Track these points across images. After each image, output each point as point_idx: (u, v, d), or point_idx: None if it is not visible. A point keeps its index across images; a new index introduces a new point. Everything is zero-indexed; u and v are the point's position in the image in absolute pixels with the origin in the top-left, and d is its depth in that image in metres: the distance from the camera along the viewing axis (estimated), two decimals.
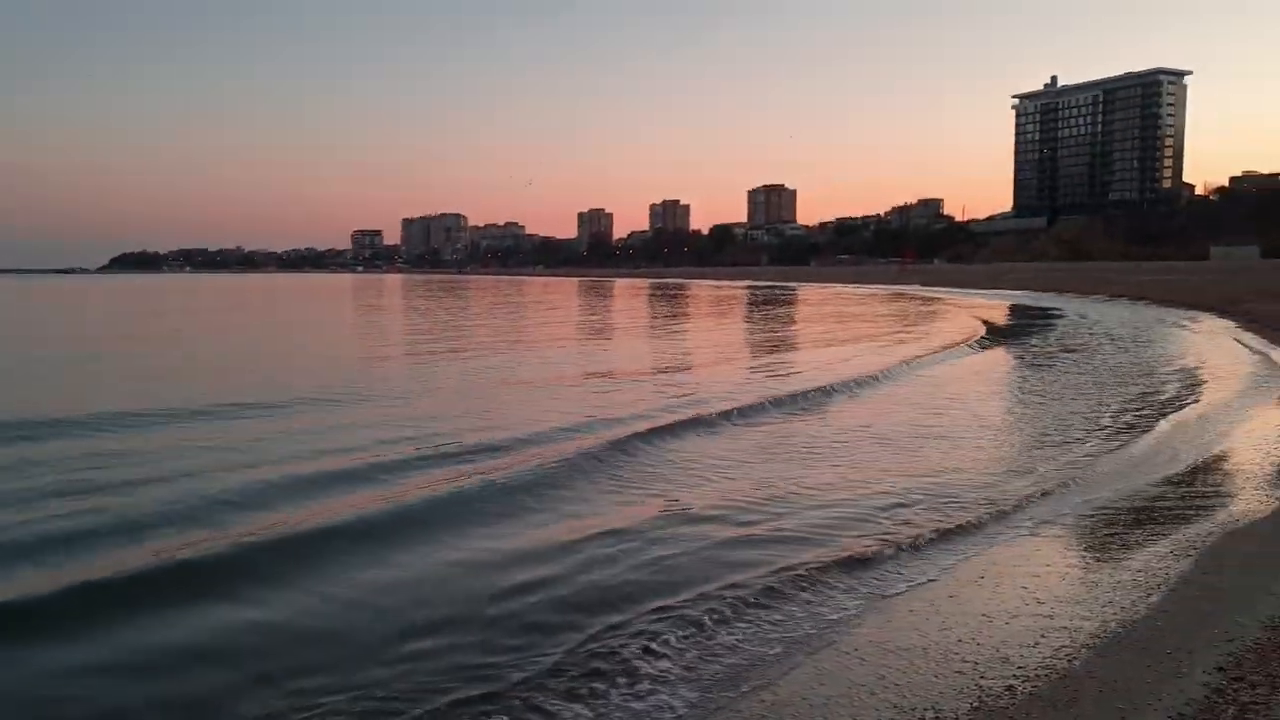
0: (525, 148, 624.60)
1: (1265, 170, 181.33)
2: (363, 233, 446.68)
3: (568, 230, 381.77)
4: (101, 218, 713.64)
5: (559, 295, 79.87)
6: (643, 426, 12.83)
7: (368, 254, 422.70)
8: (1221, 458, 10.83)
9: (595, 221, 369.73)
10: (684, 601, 6.58)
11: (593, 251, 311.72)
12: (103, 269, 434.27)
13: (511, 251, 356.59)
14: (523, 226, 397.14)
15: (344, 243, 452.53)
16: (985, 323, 36.07)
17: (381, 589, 6.95)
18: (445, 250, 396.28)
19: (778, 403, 15.52)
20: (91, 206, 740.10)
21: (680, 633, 6.06)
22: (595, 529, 8.26)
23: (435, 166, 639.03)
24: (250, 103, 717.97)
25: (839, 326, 38.02)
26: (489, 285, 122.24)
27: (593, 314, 52.47)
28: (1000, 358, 24.10)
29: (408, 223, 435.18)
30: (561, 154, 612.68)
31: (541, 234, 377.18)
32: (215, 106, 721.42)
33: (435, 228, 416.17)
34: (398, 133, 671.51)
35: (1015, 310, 47.86)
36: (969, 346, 26.24)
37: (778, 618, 6.36)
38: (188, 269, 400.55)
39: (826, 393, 16.66)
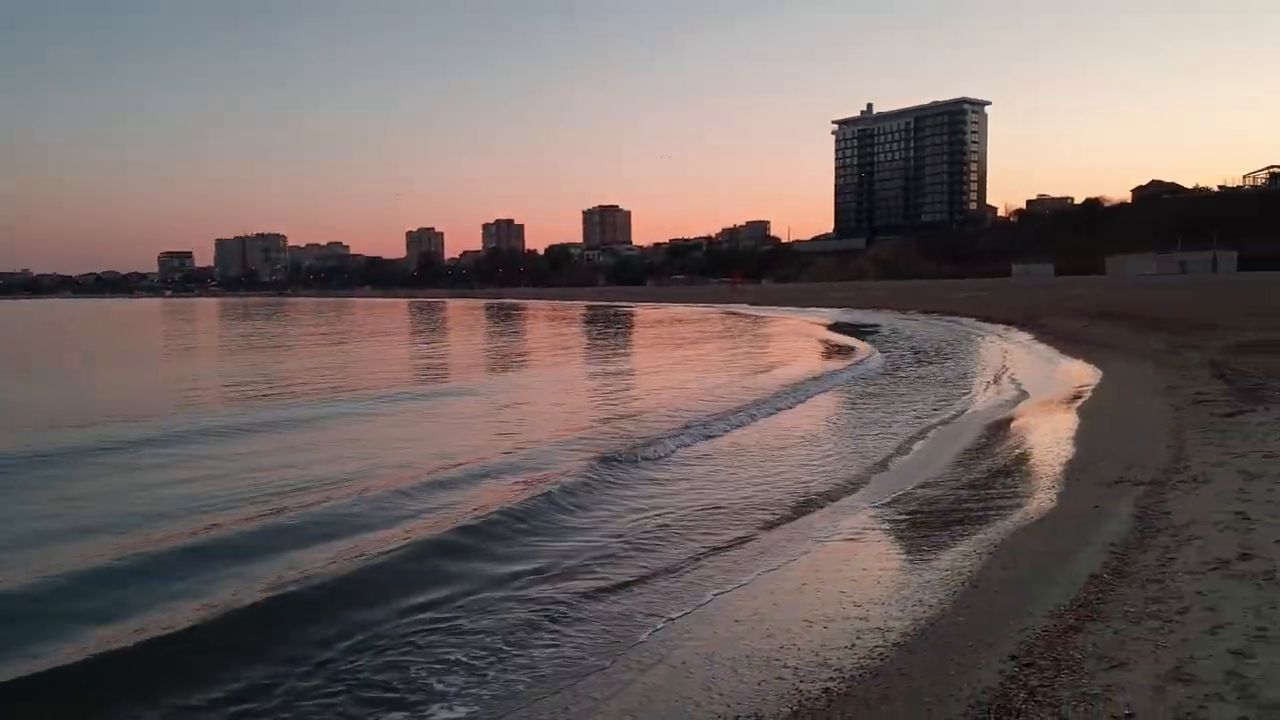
0: (348, 162, 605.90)
1: (1057, 194, 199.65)
2: (171, 254, 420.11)
3: (396, 250, 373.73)
4: None
5: (393, 322, 77.52)
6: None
7: (177, 277, 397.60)
8: (1018, 460, 11.72)
9: (425, 241, 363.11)
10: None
11: (423, 272, 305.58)
12: None
13: (336, 272, 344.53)
14: (347, 246, 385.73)
15: (150, 265, 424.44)
16: (816, 339, 37.73)
17: None
18: (264, 272, 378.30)
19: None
20: None
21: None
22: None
23: (251, 184, 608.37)
24: (41, 114, 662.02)
25: (678, 350, 38.75)
26: (309, 308, 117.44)
27: (431, 343, 51.22)
28: (824, 373, 25.19)
29: (221, 243, 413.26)
30: (388, 171, 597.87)
31: (368, 254, 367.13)
32: None
33: (252, 248, 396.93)
34: (209, 148, 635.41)
35: (838, 327, 50.26)
36: (802, 365, 27.30)
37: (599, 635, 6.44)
38: None
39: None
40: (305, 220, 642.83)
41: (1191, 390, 14.10)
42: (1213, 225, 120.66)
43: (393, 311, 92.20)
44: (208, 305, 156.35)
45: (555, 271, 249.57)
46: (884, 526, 9.02)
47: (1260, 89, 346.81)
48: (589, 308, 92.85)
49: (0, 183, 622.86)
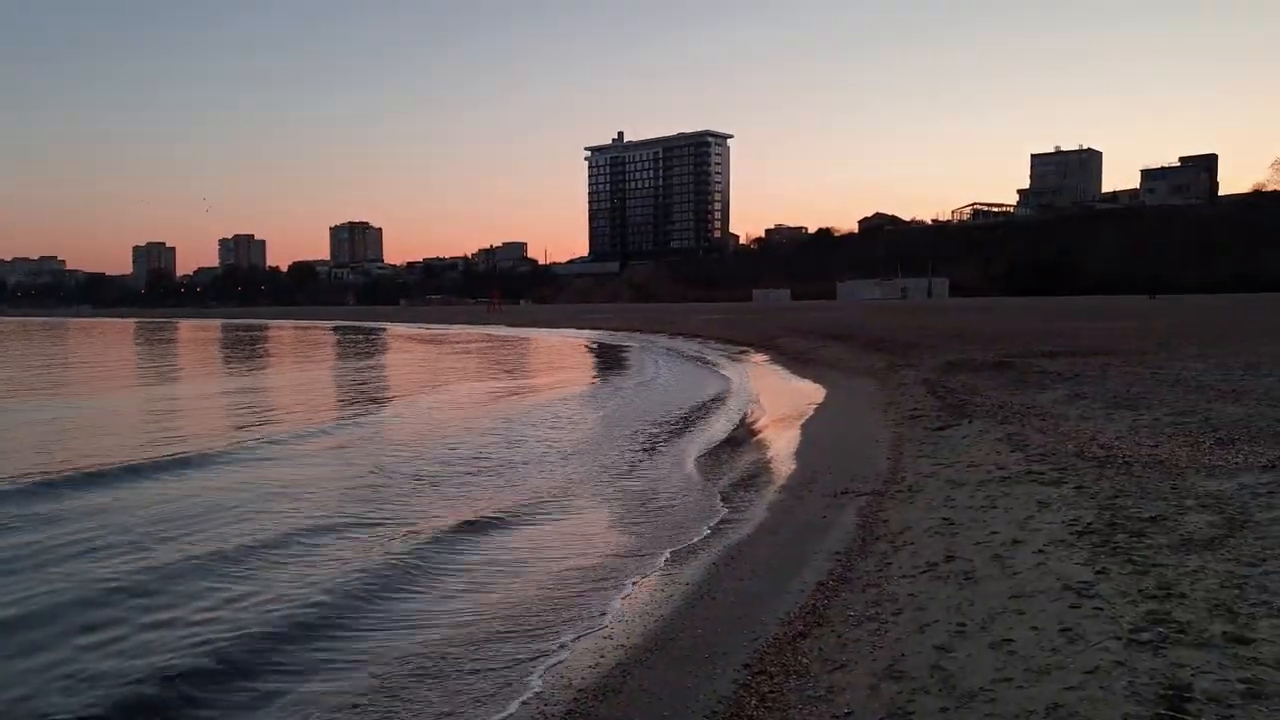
0: (64, 166, 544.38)
1: (793, 224, 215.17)
2: None
3: (122, 266, 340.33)
4: None
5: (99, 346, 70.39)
6: None
7: None
8: (751, 474, 12.30)
9: (155, 256, 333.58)
10: None
11: (153, 289, 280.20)
12: None
13: (50, 289, 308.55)
14: (63, 261, 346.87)
15: None
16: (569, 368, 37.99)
17: None
18: None
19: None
20: None
21: None
22: None
23: None
24: None
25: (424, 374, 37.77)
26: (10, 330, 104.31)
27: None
28: (570, 392, 25.46)
29: None
30: (113, 180, 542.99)
31: (88, 270, 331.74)
32: None
33: None
34: None
35: (601, 346, 51.13)
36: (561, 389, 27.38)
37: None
38: None
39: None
40: (11, 232, 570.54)
41: (909, 406, 15.48)
42: (927, 255, 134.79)
43: (107, 335, 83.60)
44: None
45: (300, 289, 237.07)
46: (630, 540, 9.12)
47: (970, 130, 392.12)
48: (340, 329, 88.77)
49: None
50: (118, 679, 5.91)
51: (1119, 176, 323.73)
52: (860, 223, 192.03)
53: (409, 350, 51.20)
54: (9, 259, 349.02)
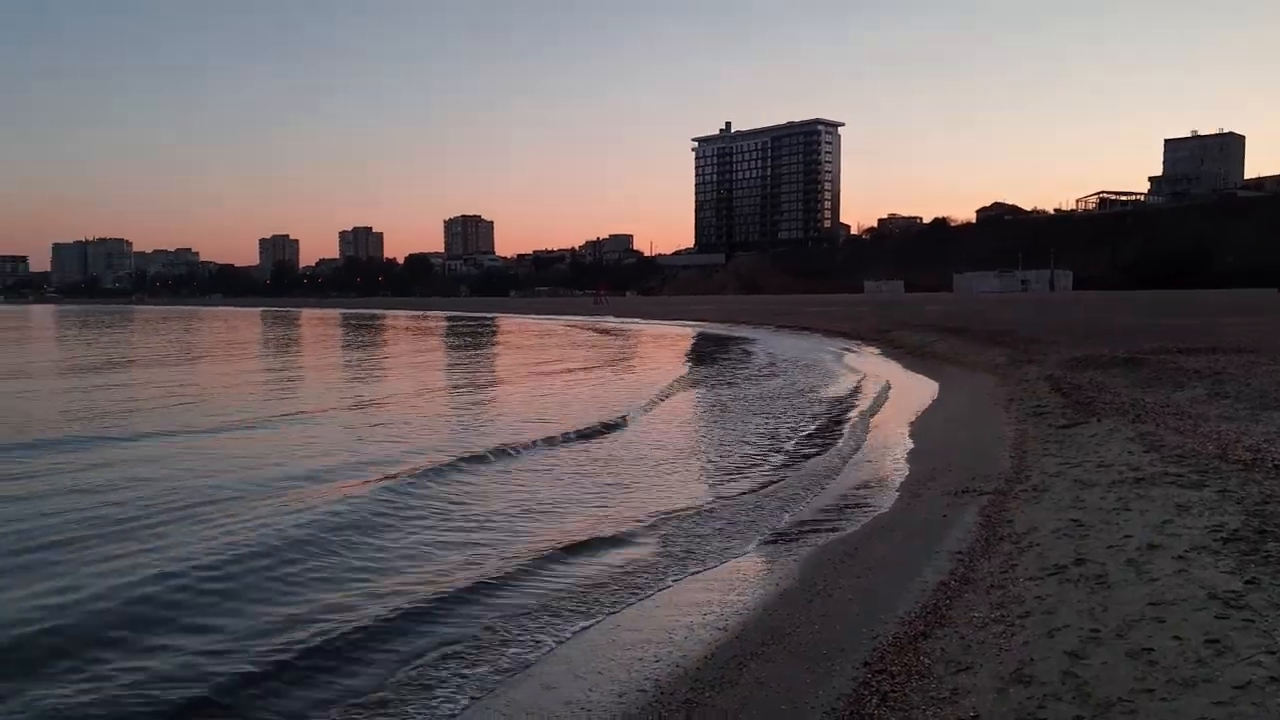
0: (199, 164, 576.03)
1: (907, 214, 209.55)
2: (3, 259, 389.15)
3: (249, 258, 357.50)
4: None
5: (261, 333, 73.98)
6: None
7: (10, 282, 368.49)
8: (869, 472, 12.11)
9: (280, 249, 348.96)
10: None
11: (278, 280, 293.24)
12: None
13: (185, 280, 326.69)
14: (197, 253, 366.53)
15: None
16: (686, 352, 38.13)
17: None
18: (106, 278, 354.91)
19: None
20: None
21: None
22: None
23: (93, 188, 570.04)
24: None
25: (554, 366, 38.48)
26: (157, 317, 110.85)
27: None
28: (695, 386, 25.48)
29: (60, 248, 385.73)
30: (241, 175, 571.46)
31: (219, 261, 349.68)
32: None
33: (94, 253, 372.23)
34: (44, 150, 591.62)
35: (709, 339, 51.08)
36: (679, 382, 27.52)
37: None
38: None
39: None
40: (152, 226, 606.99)
41: (1032, 403, 14.92)
42: (1050, 246, 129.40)
43: (251, 323, 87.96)
44: (58, 313, 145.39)
45: (416, 281, 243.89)
46: (745, 538, 9.10)
47: (1094, 117, 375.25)
48: (454, 319, 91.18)
49: None
50: None
51: (1265, 162, 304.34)
52: (978, 212, 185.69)
53: (580, 345, 52.07)
54: (149, 251, 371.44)
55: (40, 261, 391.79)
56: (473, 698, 5.64)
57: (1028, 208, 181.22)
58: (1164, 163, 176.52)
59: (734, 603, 7.12)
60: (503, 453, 13.52)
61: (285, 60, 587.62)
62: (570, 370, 30.01)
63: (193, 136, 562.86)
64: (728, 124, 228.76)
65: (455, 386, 25.96)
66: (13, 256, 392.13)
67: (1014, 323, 36.21)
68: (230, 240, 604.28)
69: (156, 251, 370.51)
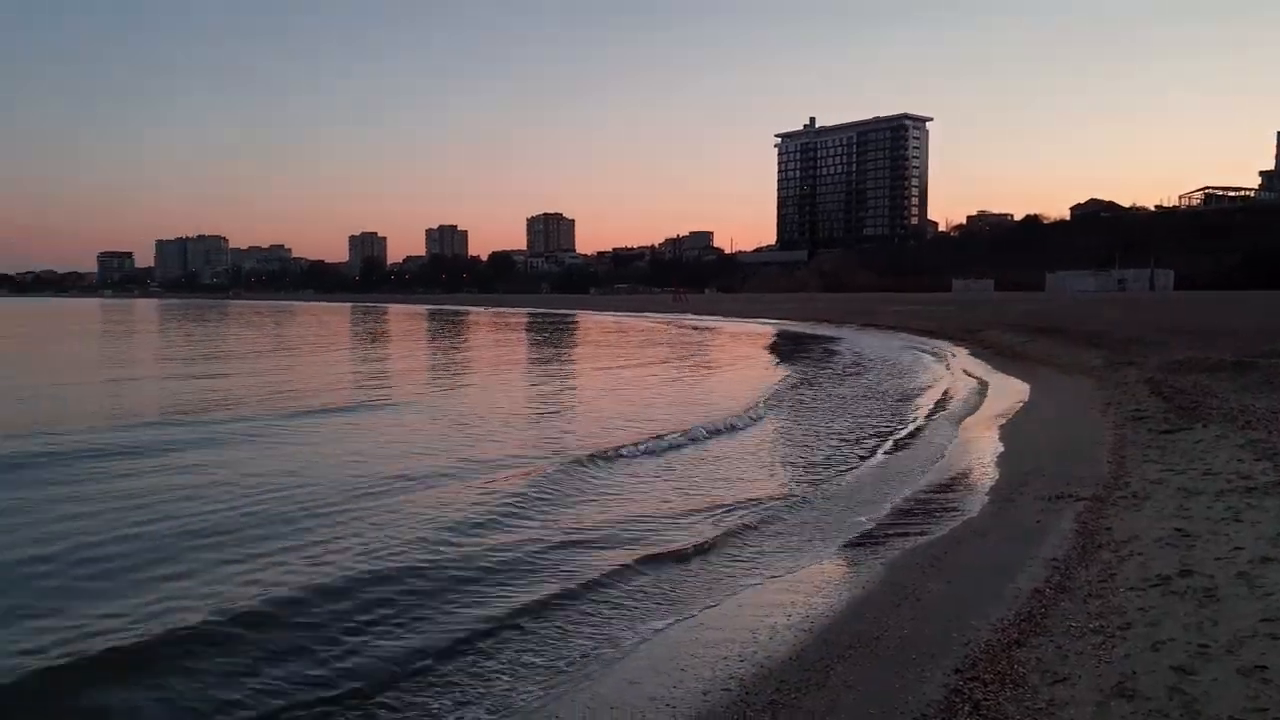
0: (291, 164, 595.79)
1: (997, 210, 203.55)
2: (111, 255, 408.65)
3: (339, 254, 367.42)
4: None
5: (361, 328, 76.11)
6: None
7: (117, 277, 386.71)
8: (959, 474, 11.82)
9: (368, 245, 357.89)
10: None
11: (366, 277, 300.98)
12: None
13: (278, 276, 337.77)
14: (289, 249, 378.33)
15: (89, 265, 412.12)
16: (770, 350, 37.87)
17: None
18: (205, 274, 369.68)
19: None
20: None
21: None
22: None
23: (192, 187, 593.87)
24: None
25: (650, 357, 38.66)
26: (262, 311, 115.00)
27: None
28: (782, 386, 25.30)
29: (162, 244, 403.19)
30: (332, 174, 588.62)
31: (310, 257, 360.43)
32: None
33: (193, 250, 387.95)
34: (149, 151, 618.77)
35: (791, 337, 50.65)
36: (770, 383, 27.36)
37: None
38: None
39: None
40: (247, 223, 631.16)
41: (1130, 407, 14.38)
42: (1149, 244, 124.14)
43: (356, 319, 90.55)
44: (161, 307, 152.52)
45: (498, 278, 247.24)
46: (830, 539, 8.98)
47: (1196, 110, 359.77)
48: (535, 316, 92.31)
49: None
50: None
51: None
52: (1073, 209, 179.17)
53: (662, 343, 52.40)
54: (245, 248, 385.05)
55: (145, 257, 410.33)
56: (556, 689, 5.69)
57: (1126, 204, 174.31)
58: (1277, 156, 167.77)
59: (819, 605, 7.03)
60: (598, 458, 13.48)
61: (374, 63, 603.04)
62: (656, 368, 30.09)
63: (287, 137, 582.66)
64: (812, 119, 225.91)
65: (540, 387, 26.26)
66: (120, 253, 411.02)
67: (1111, 323, 34.92)
68: (321, 237, 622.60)
69: (251, 248, 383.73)
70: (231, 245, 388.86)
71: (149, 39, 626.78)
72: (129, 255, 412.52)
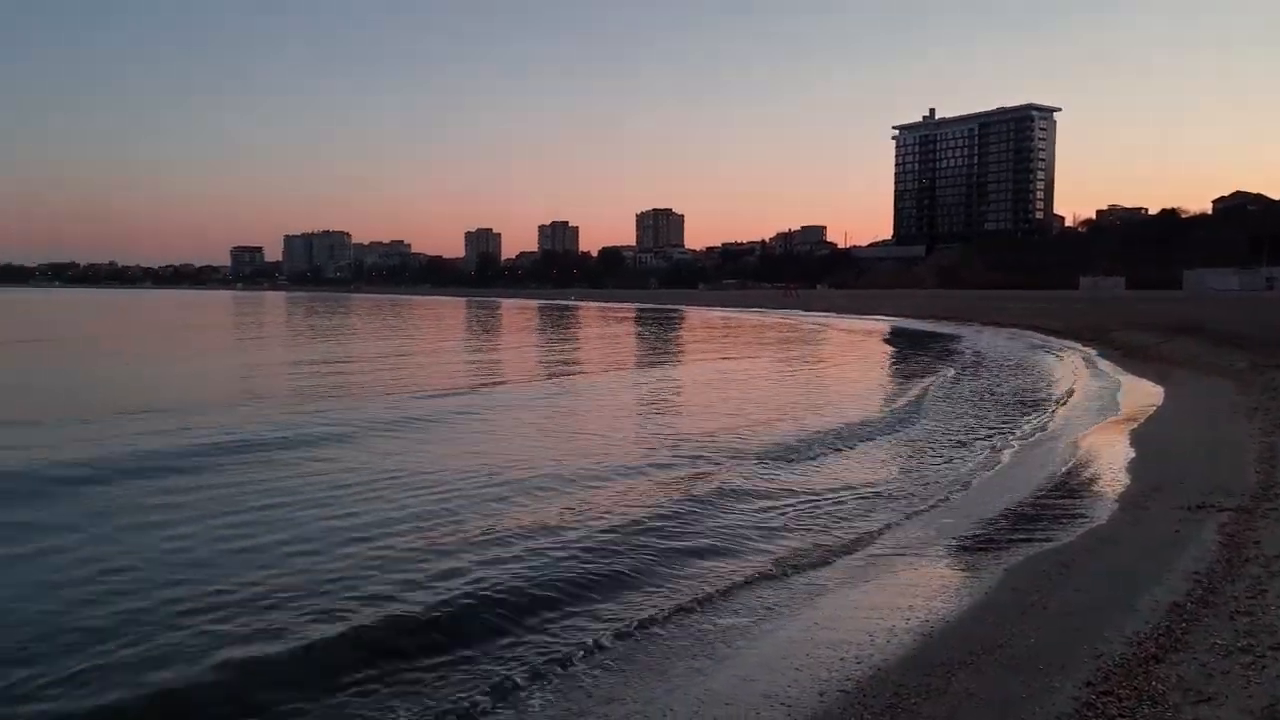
0: (411, 162, 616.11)
1: (1130, 204, 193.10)
2: (243, 249, 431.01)
3: (455, 250, 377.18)
4: None
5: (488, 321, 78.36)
6: None
7: (248, 271, 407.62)
8: (1090, 479, 11.30)
9: (483, 241, 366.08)
10: None
11: (481, 272, 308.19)
12: None
13: (398, 270, 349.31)
14: (409, 245, 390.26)
15: (223, 259, 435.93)
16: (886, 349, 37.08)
17: None
18: (329, 268, 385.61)
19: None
20: None
21: None
22: None
23: (318, 184, 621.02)
24: (120, 115, 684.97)
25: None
26: (382, 305, 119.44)
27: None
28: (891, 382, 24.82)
29: (289, 239, 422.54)
30: (449, 172, 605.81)
31: (428, 253, 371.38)
32: (84, 118, 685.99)
33: (319, 245, 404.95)
34: (278, 148, 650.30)
35: (908, 336, 49.51)
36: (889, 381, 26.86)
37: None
38: (57, 284, 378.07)
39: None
40: (369, 219, 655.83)
41: None
42: None
43: (478, 313, 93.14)
44: (292, 299, 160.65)
45: (608, 273, 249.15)
46: (950, 543, 8.72)
47: None
48: (644, 311, 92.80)
49: (89, 179, 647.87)
50: None
51: None
52: (1215, 202, 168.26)
53: (770, 341, 52.32)
54: (366, 243, 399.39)
55: (273, 252, 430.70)
56: (669, 683, 5.70)
57: (1277, 196, 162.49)
58: None
59: (939, 609, 6.83)
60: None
61: (492, 64, 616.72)
62: (772, 364, 29.87)
63: (408, 136, 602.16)
64: (931, 110, 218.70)
65: (655, 384, 26.40)
66: (251, 248, 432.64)
67: (1258, 324, 32.72)
68: (439, 234, 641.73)
69: (373, 243, 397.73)
70: (354, 241, 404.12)
71: (280, 43, 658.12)
72: (259, 250, 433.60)
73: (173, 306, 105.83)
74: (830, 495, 10.61)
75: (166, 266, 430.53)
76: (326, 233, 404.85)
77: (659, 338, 48.70)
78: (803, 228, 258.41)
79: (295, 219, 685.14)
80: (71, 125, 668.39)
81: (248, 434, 14.28)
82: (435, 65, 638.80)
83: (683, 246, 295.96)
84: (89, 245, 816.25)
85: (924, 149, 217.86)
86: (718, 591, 7.37)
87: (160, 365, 29.92)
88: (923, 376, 25.25)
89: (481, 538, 8.66)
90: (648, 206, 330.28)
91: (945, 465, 12.55)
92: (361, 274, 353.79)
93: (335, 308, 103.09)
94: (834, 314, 77.04)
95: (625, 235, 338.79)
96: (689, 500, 10.32)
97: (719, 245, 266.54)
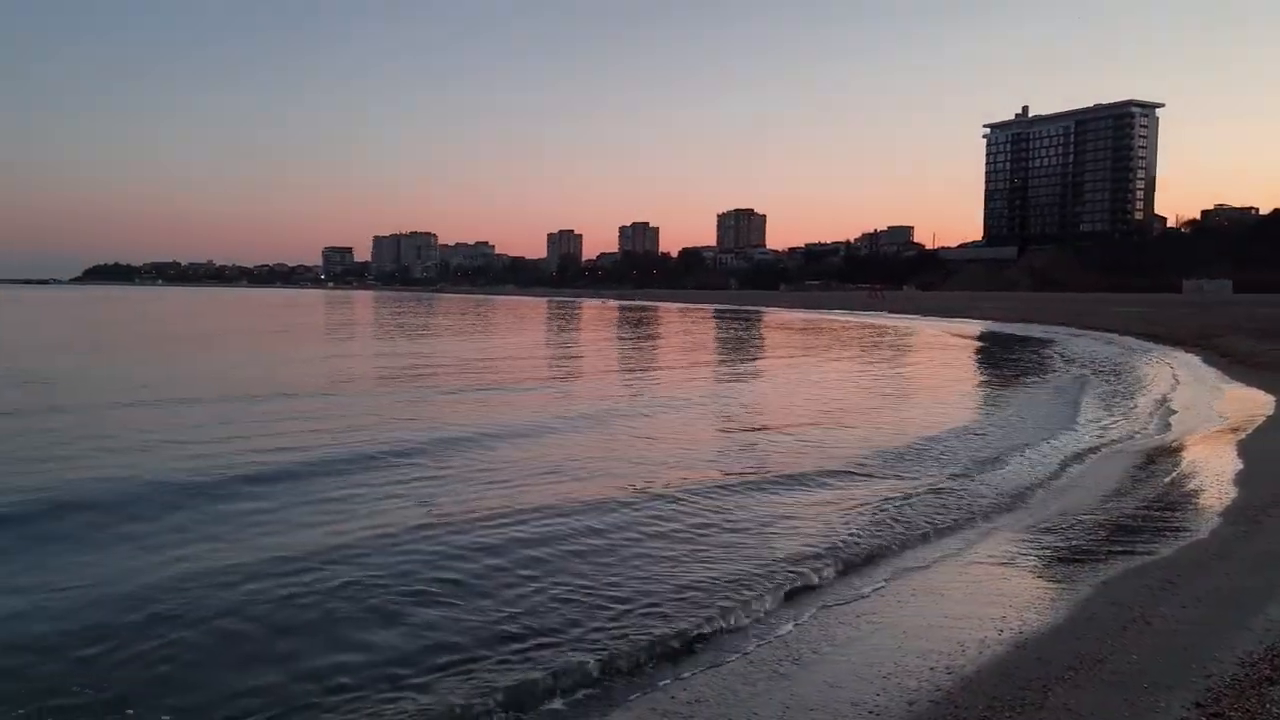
0: (495, 165, 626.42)
1: (1239, 203, 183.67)
2: (333, 249, 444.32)
3: (537, 251, 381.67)
4: (75, 231, 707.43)
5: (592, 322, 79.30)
6: None
7: (338, 270, 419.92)
8: (1194, 491, 10.85)
9: (565, 243, 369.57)
10: None
11: (562, 272, 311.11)
12: (76, 280, 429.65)
13: (482, 271, 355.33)
14: (493, 246, 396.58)
15: (315, 259, 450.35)
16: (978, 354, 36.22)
17: None
18: (415, 268, 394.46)
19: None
20: (65, 219, 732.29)
21: None
22: None
23: (406, 185, 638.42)
24: (221, 121, 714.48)
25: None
26: (469, 304, 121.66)
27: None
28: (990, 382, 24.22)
29: (378, 240, 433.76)
30: (531, 174, 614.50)
31: (511, 254, 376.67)
32: (187, 124, 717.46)
33: (406, 245, 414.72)
34: (368, 151, 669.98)
35: (999, 339, 48.27)
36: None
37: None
38: (160, 282, 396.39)
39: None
40: (454, 220, 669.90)
41: None
42: None
43: (562, 310, 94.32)
44: (380, 298, 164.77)
45: (688, 274, 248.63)
46: (1043, 552, 8.45)
47: None
48: (723, 312, 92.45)
49: (188, 182, 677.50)
50: None
51: None
52: None
53: (854, 343, 51.83)
54: (452, 244, 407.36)
55: (362, 252, 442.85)
56: (754, 686, 5.65)
57: None
58: None
59: (1033, 621, 6.61)
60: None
61: (574, 66, 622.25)
62: (858, 367, 29.44)
63: (491, 138, 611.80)
64: (1024, 108, 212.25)
65: (734, 383, 26.25)
66: (341, 248, 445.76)
67: None
68: (522, 235, 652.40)
69: (458, 244, 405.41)
70: (440, 241, 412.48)
71: (383, 56, 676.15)
72: (349, 250, 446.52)
73: (287, 305, 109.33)
74: (916, 499, 10.38)
75: (261, 266, 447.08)
76: (414, 234, 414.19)
77: (784, 342, 48.40)
78: (889, 228, 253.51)
79: (384, 220, 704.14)
80: (182, 135, 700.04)
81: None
82: (519, 72, 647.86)
83: (764, 247, 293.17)
84: (188, 246, 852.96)
85: (1016, 148, 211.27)
86: (806, 591, 7.30)
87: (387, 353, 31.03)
88: (1011, 381, 24.55)
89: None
90: (730, 206, 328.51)
91: (1038, 473, 12.14)
92: (447, 274, 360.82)
93: (433, 307, 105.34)
94: (920, 317, 75.50)
95: (705, 236, 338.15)
96: (793, 503, 10.24)
97: (802, 245, 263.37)
